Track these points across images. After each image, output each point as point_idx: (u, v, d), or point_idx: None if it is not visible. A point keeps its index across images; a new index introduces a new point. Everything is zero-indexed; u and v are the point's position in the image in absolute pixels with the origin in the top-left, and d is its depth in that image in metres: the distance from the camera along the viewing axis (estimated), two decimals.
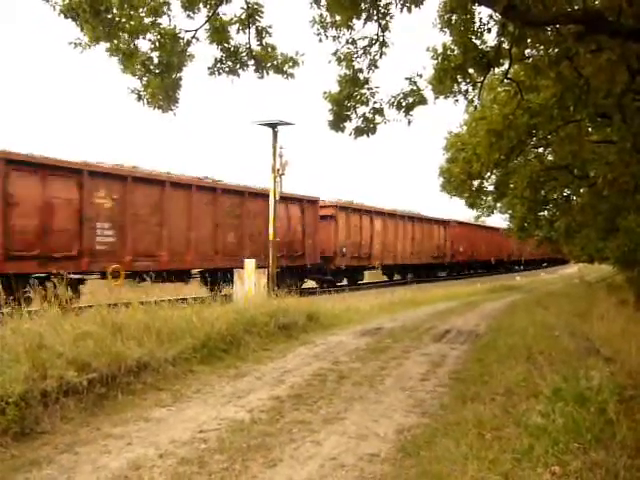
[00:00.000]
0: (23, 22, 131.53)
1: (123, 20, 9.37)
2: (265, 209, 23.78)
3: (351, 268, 34.46)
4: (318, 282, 32.33)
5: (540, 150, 22.28)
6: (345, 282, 34.75)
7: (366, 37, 11.04)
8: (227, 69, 10.51)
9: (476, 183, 22.66)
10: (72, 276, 16.41)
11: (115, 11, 9.17)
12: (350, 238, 33.54)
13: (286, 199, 26.86)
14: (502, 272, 56.97)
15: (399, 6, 9.97)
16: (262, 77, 10.70)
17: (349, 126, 11.52)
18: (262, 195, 25.05)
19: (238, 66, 10.53)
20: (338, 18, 10.59)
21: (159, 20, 9.76)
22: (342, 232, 32.83)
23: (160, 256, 21.02)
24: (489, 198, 27.10)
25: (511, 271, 60.65)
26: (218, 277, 22.15)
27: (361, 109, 11.42)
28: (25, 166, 17.42)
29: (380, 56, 11.13)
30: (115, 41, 9.52)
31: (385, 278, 40.77)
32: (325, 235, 31.47)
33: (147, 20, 9.64)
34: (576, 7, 9.93)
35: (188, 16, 9.84)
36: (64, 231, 18.25)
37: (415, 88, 11.30)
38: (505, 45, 11.27)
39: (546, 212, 28.77)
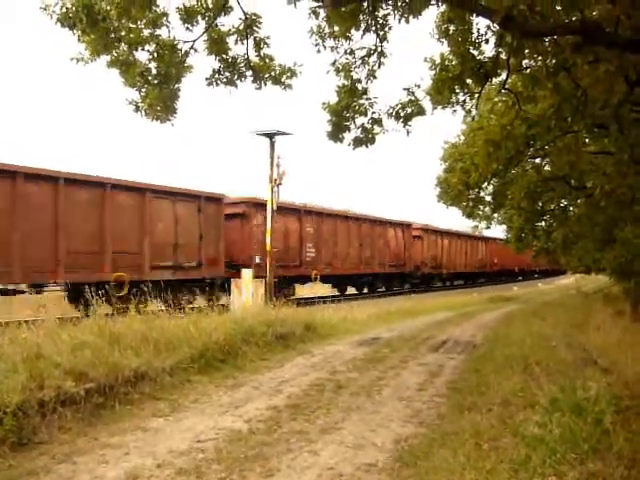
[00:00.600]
0: (23, 23, 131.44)
1: (122, 32, 9.39)
2: (384, 232, 37.61)
3: (430, 275, 44.69)
4: (402, 285, 41.38)
5: (537, 161, 22.31)
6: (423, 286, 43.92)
7: (364, 47, 11.09)
8: (225, 80, 10.51)
9: (473, 193, 22.70)
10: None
11: (115, 23, 9.18)
12: (430, 252, 44.02)
13: (394, 224, 39.42)
14: (522, 280, 65.86)
15: (397, 17, 10.00)
16: (260, 88, 10.71)
17: (348, 137, 11.58)
18: (383, 222, 38.01)
19: (236, 77, 10.53)
20: (337, 29, 10.63)
21: (158, 31, 9.78)
22: (425, 247, 43.24)
23: (334, 265, 32.19)
24: (486, 208, 27.12)
25: (531, 279, 69.74)
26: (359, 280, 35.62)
27: (360, 119, 11.48)
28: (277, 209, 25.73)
29: (378, 66, 11.18)
30: (114, 52, 9.53)
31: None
32: (415, 250, 42.06)
33: (146, 32, 9.66)
34: (574, 18, 9.96)
35: (187, 28, 9.86)
36: (294, 249, 28.92)
37: (413, 98, 11.37)
38: (503, 56, 11.29)
39: (543, 223, 28.76)
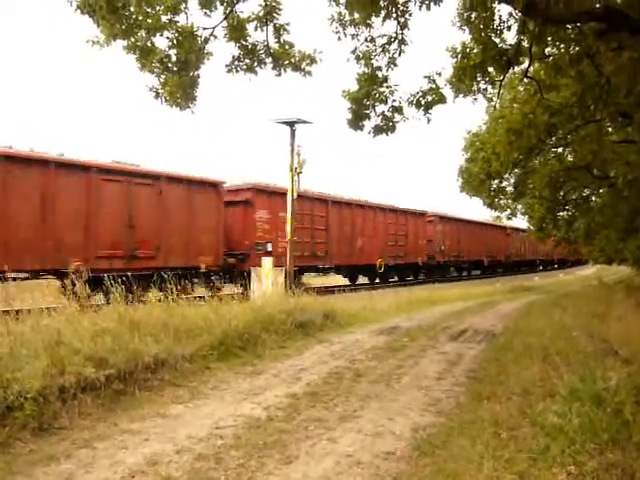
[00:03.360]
0: (23, 14, 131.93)
1: (140, 18, 9.39)
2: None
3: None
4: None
5: (559, 150, 22.18)
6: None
7: (385, 35, 11.03)
8: (245, 67, 10.52)
9: (495, 183, 22.60)
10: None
11: (132, 9, 9.19)
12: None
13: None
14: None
15: (418, 3, 9.95)
16: (280, 75, 10.71)
17: (368, 124, 11.53)
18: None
19: (256, 64, 10.54)
20: (357, 16, 10.59)
21: (176, 18, 9.77)
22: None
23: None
24: (508, 198, 26.99)
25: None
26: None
27: (380, 107, 11.44)
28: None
29: (399, 54, 11.12)
30: (132, 38, 9.54)
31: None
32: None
33: (164, 18, 9.65)
34: (597, 5, 9.85)
35: (205, 14, 9.85)
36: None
37: (434, 86, 11.28)
38: (525, 43, 11.22)
39: (565, 212, 28.59)
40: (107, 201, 19.09)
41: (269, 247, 25.55)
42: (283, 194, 24.12)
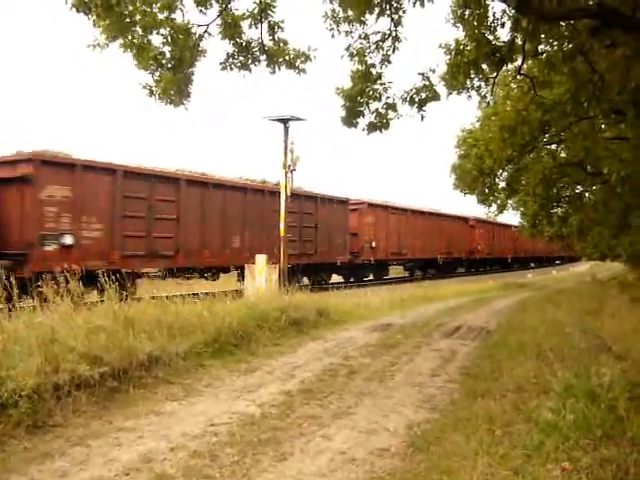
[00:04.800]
0: (23, 14, 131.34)
1: (137, 16, 9.34)
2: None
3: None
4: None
5: (553, 147, 22.21)
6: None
7: (379, 32, 11.01)
8: (239, 64, 10.47)
9: (488, 180, 22.62)
10: None
11: (129, 7, 9.14)
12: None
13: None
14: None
15: (412, 0, 9.95)
16: (274, 72, 10.66)
17: (362, 122, 11.51)
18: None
19: (250, 61, 10.49)
20: (351, 13, 10.56)
21: (172, 15, 9.72)
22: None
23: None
24: (501, 195, 27.01)
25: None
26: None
27: (374, 105, 11.42)
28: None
29: (393, 51, 11.11)
30: (129, 36, 9.48)
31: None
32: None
33: (160, 15, 9.61)
34: (591, 2, 9.86)
35: (200, 11, 9.81)
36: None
37: (428, 83, 11.29)
38: (518, 40, 11.21)
39: (558, 209, 28.64)
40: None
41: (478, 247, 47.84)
42: (484, 221, 48.15)
